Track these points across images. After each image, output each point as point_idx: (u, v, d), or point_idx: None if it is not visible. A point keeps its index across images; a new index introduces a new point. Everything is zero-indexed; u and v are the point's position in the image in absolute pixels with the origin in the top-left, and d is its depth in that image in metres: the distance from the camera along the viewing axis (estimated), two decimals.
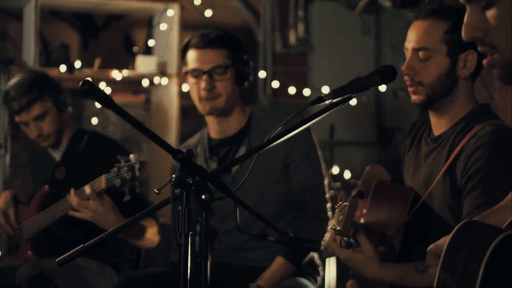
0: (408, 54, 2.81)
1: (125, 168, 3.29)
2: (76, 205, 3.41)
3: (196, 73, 3.37)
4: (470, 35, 1.72)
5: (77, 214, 3.44)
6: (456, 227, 1.86)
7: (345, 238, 2.50)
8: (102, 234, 2.38)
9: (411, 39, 2.79)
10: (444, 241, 2.07)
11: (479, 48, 1.74)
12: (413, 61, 2.78)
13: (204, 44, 3.36)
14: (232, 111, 3.46)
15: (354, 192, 2.76)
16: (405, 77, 2.81)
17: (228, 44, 3.39)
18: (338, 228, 2.49)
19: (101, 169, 3.39)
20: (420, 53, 2.76)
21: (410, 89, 2.81)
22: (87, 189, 3.38)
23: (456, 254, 1.80)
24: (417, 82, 2.77)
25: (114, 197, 3.43)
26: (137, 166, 3.29)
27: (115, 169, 3.31)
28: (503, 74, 1.71)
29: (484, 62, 1.73)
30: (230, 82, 3.39)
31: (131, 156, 3.33)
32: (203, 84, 3.35)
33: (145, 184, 3.78)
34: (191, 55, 3.39)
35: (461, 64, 2.75)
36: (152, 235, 3.66)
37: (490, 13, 1.68)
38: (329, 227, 2.71)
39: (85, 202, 3.40)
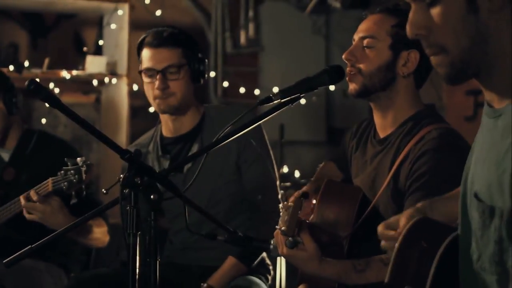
0: (354, 42, 2.84)
1: (72, 171, 3.28)
2: (23, 207, 3.38)
3: (150, 72, 3.35)
4: (414, 32, 1.73)
5: (27, 216, 3.41)
6: (409, 224, 1.87)
7: (290, 238, 2.52)
8: (50, 235, 2.37)
9: (360, 30, 2.83)
10: (395, 219, 2.09)
11: (424, 47, 1.76)
12: (356, 48, 2.81)
13: (158, 42, 3.34)
14: (188, 109, 3.44)
15: (298, 193, 2.77)
16: (347, 65, 2.83)
17: (182, 43, 3.37)
18: (283, 228, 2.51)
19: (50, 169, 3.37)
20: (365, 41, 2.79)
21: (348, 77, 2.82)
22: (33, 194, 3.35)
23: (408, 252, 1.82)
24: (356, 69, 2.79)
25: (62, 199, 3.41)
26: (83, 169, 3.27)
27: (62, 172, 3.30)
28: (449, 73, 1.72)
29: (432, 61, 1.75)
30: (185, 81, 3.37)
31: (78, 159, 3.31)
32: (156, 84, 3.33)
33: (95, 184, 3.76)
34: (145, 53, 3.37)
35: (402, 62, 2.78)
36: (101, 234, 3.65)
37: (435, 11, 1.69)
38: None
39: (32, 204, 3.36)
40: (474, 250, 1.72)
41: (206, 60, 3.46)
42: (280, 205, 2.60)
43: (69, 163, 3.30)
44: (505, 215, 1.59)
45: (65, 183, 3.28)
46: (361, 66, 2.78)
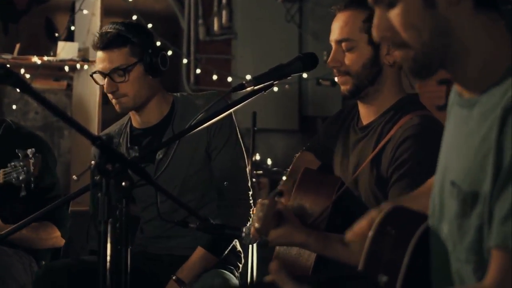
0: (333, 46, 2.84)
1: (21, 163, 3.25)
2: None
3: (100, 75, 3.32)
4: (379, 35, 1.77)
5: None
6: (382, 213, 1.88)
7: (262, 236, 2.52)
8: (16, 224, 2.35)
9: (334, 32, 2.83)
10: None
11: (391, 47, 1.78)
12: (337, 53, 2.81)
13: (102, 45, 3.27)
14: (148, 102, 3.39)
15: (277, 189, 2.77)
16: (334, 70, 2.83)
17: (129, 41, 3.29)
18: (256, 225, 2.51)
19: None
20: (343, 44, 2.79)
21: (338, 80, 2.83)
22: None
23: (382, 240, 1.83)
24: (343, 72, 2.80)
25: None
26: (31, 161, 3.25)
27: (12, 164, 3.27)
28: (413, 67, 1.74)
29: (396, 56, 1.78)
30: (136, 79, 3.30)
31: (29, 151, 3.28)
32: (105, 87, 3.31)
33: (58, 184, 3.73)
34: (97, 54, 3.34)
35: (385, 51, 2.78)
36: (53, 240, 3.64)
37: (394, 12, 1.72)
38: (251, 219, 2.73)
39: None
40: (449, 240, 1.73)
41: (164, 52, 3.36)
42: (251, 192, 2.61)
43: (20, 155, 3.28)
44: (488, 198, 1.60)
45: (14, 175, 3.26)
46: (348, 69, 2.79)
